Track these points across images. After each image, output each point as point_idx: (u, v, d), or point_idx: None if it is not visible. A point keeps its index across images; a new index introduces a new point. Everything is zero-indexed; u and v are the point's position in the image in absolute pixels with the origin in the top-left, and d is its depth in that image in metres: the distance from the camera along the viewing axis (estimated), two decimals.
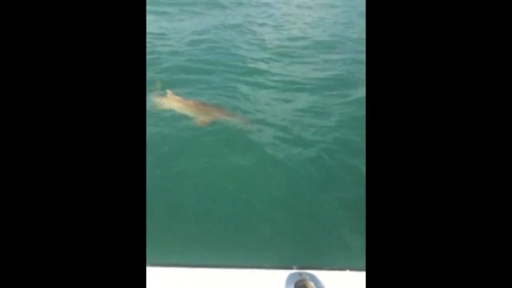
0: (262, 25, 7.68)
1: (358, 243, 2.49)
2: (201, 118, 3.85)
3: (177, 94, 4.27)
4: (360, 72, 5.40)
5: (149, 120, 3.24)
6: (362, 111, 4.00)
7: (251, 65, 5.48)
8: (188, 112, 3.98)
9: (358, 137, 3.69)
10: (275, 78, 5.16)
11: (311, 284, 1.11)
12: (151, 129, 3.50)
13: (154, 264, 1.16)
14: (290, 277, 1.13)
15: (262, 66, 5.54)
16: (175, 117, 3.91)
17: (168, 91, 4.33)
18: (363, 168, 3.15)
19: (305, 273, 1.14)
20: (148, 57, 5.00)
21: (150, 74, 4.63)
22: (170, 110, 4.02)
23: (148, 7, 6.65)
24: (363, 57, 5.96)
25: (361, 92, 4.72)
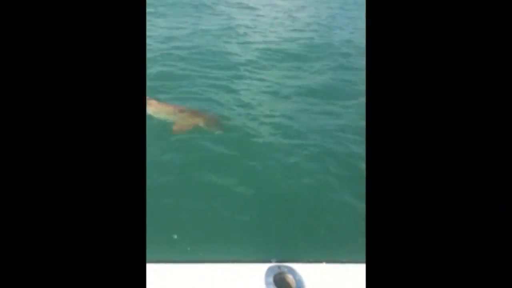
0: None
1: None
2: (179, 124, 3.81)
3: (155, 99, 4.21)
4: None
5: None
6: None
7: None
8: (166, 117, 3.91)
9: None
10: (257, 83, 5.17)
11: (290, 276, 1.16)
12: None
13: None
14: (269, 270, 1.17)
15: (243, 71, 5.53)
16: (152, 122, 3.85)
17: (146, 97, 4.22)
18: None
19: (283, 266, 1.18)
20: None
21: None
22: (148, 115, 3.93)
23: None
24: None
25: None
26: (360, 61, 6.06)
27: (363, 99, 4.78)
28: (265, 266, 1.18)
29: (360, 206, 2.97)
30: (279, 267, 1.18)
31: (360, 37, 7.46)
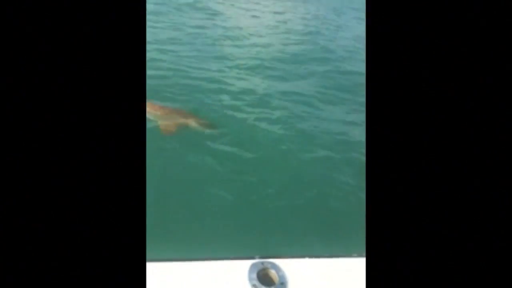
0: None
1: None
2: (165, 125, 3.76)
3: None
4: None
5: None
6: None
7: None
8: (154, 118, 3.87)
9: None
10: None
11: (273, 272, 1.17)
12: None
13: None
14: (253, 266, 1.18)
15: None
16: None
17: None
18: None
19: (267, 262, 1.19)
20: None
21: None
22: None
23: None
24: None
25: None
26: (351, 66, 6.16)
27: (350, 103, 4.88)
28: (248, 263, 1.18)
29: (340, 203, 3.02)
30: (262, 263, 1.19)
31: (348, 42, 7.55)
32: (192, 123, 3.87)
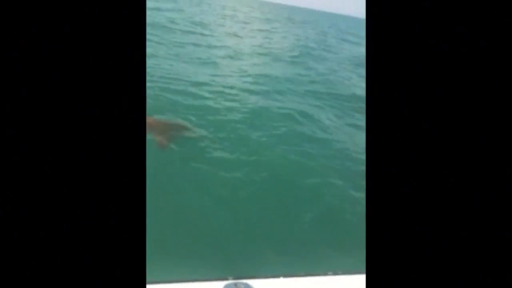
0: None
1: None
2: (159, 139, 3.70)
3: None
4: None
5: None
6: None
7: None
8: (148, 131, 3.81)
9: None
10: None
11: None
12: None
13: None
14: (226, 287, 1.14)
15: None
16: None
17: None
18: None
19: (240, 282, 1.16)
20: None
21: None
22: None
23: None
24: None
25: None
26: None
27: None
28: (221, 284, 1.15)
29: (316, 216, 3.02)
30: (235, 284, 1.15)
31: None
32: (185, 134, 3.82)
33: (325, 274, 1.30)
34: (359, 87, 7.49)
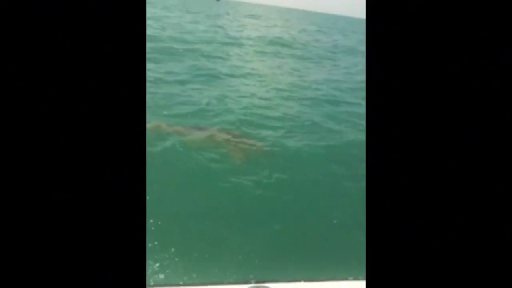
0: None
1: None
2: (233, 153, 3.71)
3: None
4: None
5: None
6: None
7: None
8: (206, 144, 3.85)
9: None
10: None
11: None
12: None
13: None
14: None
15: None
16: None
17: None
18: None
19: (262, 286, 1.19)
20: None
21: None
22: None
23: None
24: None
25: None
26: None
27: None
28: None
29: (339, 222, 3.01)
30: (257, 287, 1.18)
31: None
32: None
33: (345, 279, 1.31)
34: None
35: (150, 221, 2.69)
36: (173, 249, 2.47)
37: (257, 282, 1.21)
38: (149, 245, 2.49)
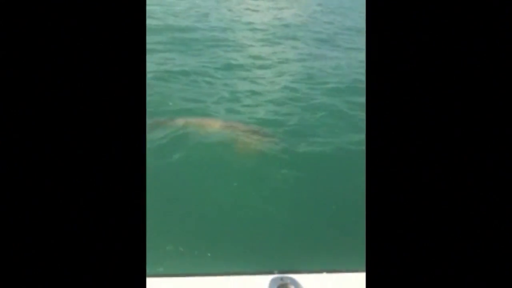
0: None
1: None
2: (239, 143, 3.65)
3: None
4: None
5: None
6: None
7: None
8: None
9: None
10: None
11: (292, 287, 1.19)
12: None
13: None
14: (272, 281, 1.19)
15: None
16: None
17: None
18: None
19: (286, 277, 1.21)
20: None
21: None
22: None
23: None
24: None
25: None
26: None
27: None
28: (268, 278, 1.20)
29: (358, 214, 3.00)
30: (281, 278, 1.20)
31: None
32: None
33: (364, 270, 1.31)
34: None
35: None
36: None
37: (280, 272, 1.24)
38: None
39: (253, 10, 10.25)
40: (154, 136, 3.71)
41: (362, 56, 6.73)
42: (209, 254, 2.38)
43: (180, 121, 4.05)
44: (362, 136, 4.32)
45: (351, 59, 6.92)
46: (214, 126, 3.96)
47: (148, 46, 5.90)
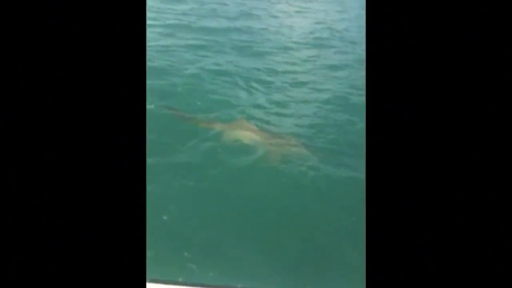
0: None
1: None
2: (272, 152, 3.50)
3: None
4: None
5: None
6: None
7: None
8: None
9: None
10: None
11: None
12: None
13: (152, 281, 1.19)
14: None
15: None
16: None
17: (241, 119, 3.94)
18: None
19: None
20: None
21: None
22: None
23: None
24: None
25: None
26: None
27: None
28: None
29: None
30: None
31: None
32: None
33: None
34: None
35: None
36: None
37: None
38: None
39: (297, 12, 10.10)
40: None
41: None
42: None
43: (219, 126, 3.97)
44: None
45: None
46: (253, 135, 3.80)
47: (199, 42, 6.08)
